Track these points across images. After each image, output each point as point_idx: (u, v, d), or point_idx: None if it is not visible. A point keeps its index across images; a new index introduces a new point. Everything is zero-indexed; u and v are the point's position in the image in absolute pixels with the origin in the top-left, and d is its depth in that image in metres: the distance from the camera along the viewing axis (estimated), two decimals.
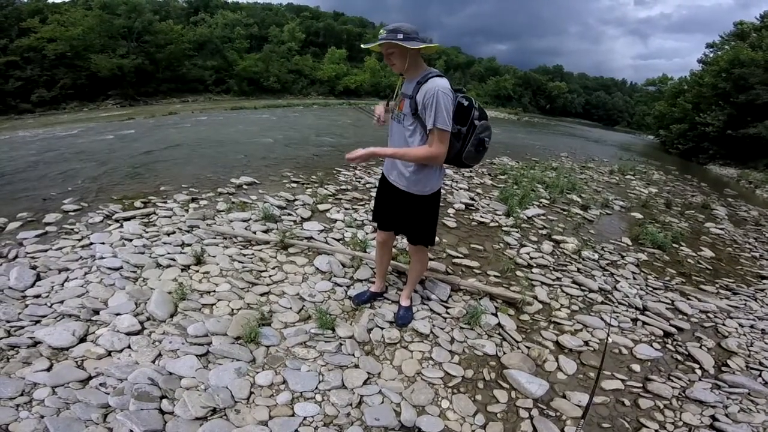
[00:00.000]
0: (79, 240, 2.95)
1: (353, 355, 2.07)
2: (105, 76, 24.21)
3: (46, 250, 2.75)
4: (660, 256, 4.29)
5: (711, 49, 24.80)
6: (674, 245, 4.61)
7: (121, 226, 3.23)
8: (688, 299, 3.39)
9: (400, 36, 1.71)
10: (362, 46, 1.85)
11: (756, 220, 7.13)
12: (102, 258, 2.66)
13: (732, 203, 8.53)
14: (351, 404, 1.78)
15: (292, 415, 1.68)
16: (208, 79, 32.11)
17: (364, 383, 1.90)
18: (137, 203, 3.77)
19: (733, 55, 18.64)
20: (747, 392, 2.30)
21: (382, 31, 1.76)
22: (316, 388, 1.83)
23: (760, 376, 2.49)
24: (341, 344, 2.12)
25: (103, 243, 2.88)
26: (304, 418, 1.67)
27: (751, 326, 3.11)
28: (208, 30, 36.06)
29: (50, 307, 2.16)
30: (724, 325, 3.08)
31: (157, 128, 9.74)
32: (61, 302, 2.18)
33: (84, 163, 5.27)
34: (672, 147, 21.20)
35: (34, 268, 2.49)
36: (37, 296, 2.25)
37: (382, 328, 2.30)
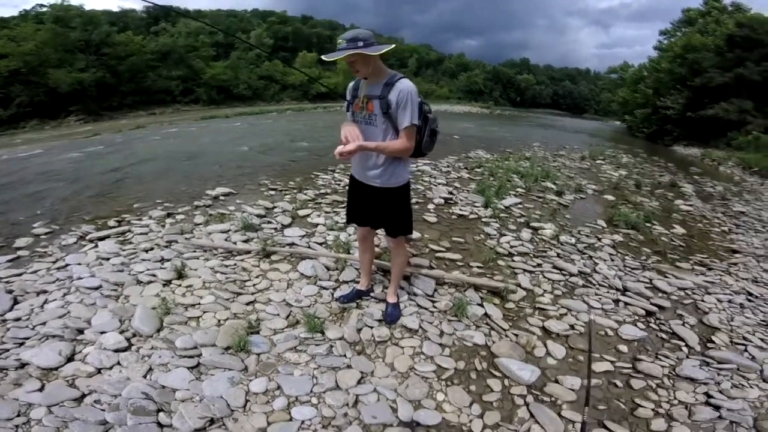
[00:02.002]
0: (54, 262, 2.87)
1: (345, 355, 2.08)
2: (65, 92, 23.06)
3: (20, 274, 2.68)
4: (634, 236, 4.44)
5: (664, 36, 26.14)
6: (647, 224, 4.76)
7: (96, 246, 3.14)
8: (666, 277, 3.46)
9: (361, 44, 1.78)
10: (324, 58, 1.87)
11: (722, 195, 7.50)
12: (80, 278, 2.61)
13: (698, 180, 8.98)
14: (347, 404, 1.79)
15: (290, 420, 1.68)
16: (175, 90, 31.13)
17: (358, 383, 1.92)
18: (111, 222, 3.66)
19: (686, 40, 19.75)
20: (736, 368, 2.34)
21: (340, 40, 1.81)
22: (311, 391, 1.84)
23: (746, 350, 2.53)
24: (332, 346, 2.13)
25: (79, 264, 2.82)
26: (303, 422, 1.68)
27: (729, 301, 3.18)
28: (170, 39, 35.01)
29: (32, 329, 2.13)
30: (703, 301, 3.13)
31: (126, 143, 9.43)
32: (43, 324, 2.15)
33: (51, 183, 5.05)
34: (638, 131, 22.07)
35: (10, 292, 2.44)
36: (17, 319, 2.21)
37: (372, 327, 2.32)
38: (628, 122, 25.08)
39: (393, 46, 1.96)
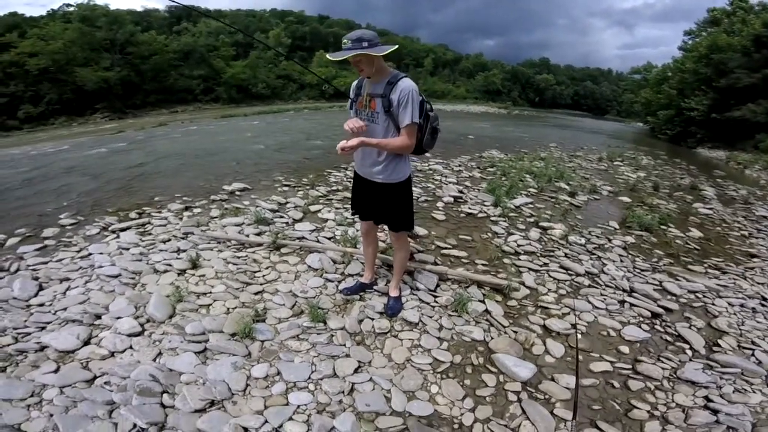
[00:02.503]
0: (78, 251, 3.04)
1: (344, 345, 2.15)
2: (91, 90, 24.05)
3: (46, 262, 2.85)
4: (647, 238, 4.36)
5: (689, 36, 25.24)
6: (662, 227, 4.67)
7: (118, 236, 3.32)
8: (677, 280, 3.40)
9: (366, 44, 1.85)
10: (329, 57, 1.95)
11: (745, 199, 7.19)
12: (101, 267, 2.76)
13: (721, 183, 8.64)
14: (343, 392, 1.85)
15: (286, 404, 1.76)
16: (196, 89, 31.99)
17: (355, 371, 1.98)
18: (132, 214, 3.85)
19: (711, 41, 19.02)
20: (740, 372, 2.29)
21: (345, 40, 1.89)
22: (309, 377, 1.91)
23: (753, 355, 2.48)
24: (332, 336, 2.21)
25: (101, 253, 2.98)
26: (298, 406, 1.75)
27: (742, 305, 3.10)
28: (192, 39, 35.95)
29: (54, 314, 2.27)
30: (713, 304, 3.06)
31: (148, 140, 9.78)
32: (65, 309, 2.29)
33: (77, 177, 5.33)
34: (661, 133, 21.42)
35: (36, 279, 2.60)
36: (41, 305, 2.36)
37: (373, 319, 2.38)
38: (651, 123, 24.33)
39: (396, 47, 2.04)
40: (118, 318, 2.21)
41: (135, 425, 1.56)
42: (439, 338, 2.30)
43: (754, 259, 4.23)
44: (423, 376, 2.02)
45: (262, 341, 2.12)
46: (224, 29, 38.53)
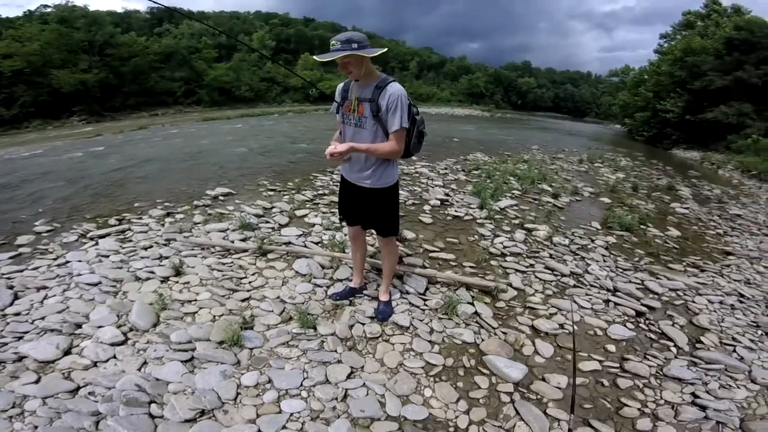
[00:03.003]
0: (55, 259, 2.94)
1: (336, 351, 2.13)
2: (68, 92, 23.25)
3: (21, 271, 2.74)
4: (628, 237, 4.47)
5: (665, 40, 26.09)
6: (641, 226, 4.78)
7: (97, 243, 3.21)
8: (658, 278, 3.48)
9: (355, 45, 1.83)
10: (316, 58, 1.91)
11: (719, 198, 7.49)
12: (79, 275, 2.67)
13: (696, 183, 8.97)
14: (336, 398, 1.83)
15: (279, 412, 1.73)
16: (177, 91, 31.28)
17: (348, 377, 1.96)
18: (111, 221, 3.73)
19: (686, 44, 19.71)
20: (724, 368, 2.35)
21: (334, 42, 1.86)
22: (301, 384, 1.88)
23: (734, 351, 2.55)
24: (323, 342, 2.18)
25: (79, 260, 2.88)
26: (291, 414, 1.72)
27: (720, 302, 3.19)
28: (173, 41, 35.19)
29: (31, 323, 2.18)
30: (694, 302, 3.14)
31: (127, 144, 9.52)
32: (42, 318, 2.21)
33: (53, 183, 5.13)
34: (638, 134, 22.01)
35: (11, 287, 2.50)
36: (17, 314, 2.27)
37: (363, 324, 2.36)
38: (628, 125, 25.01)
39: (385, 50, 2.03)
40: (100, 327, 2.14)
41: None
42: (430, 341, 2.30)
43: (730, 257, 4.38)
44: (416, 380, 2.02)
45: (251, 349, 2.08)
46: (207, 31, 37.88)
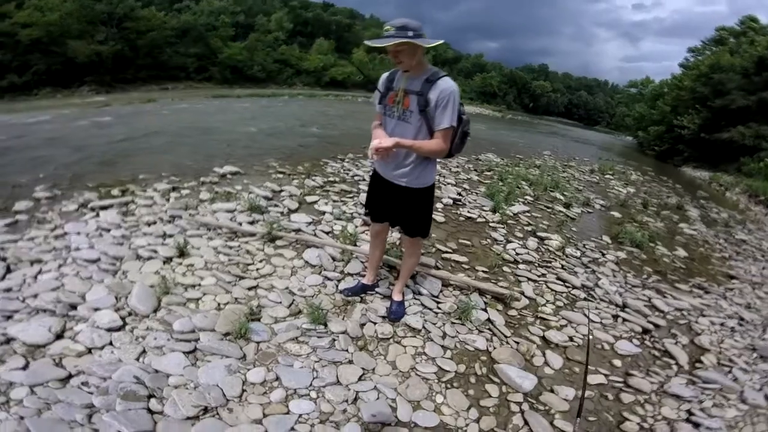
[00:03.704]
0: (53, 230, 2.81)
1: (347, 350, 2.04)
2: (82, 62, 23.07)
3: (16, 241, 2.61)
4: (638, 254, 4.41)
5: (692, 54, 25.11)
6: (651, 244, 4.74)
7: (98, 215, 3.09)
8: (664, 297, 3.48)
9: (411, 33, 1.69)
10: (368, 43, 1.79)
11: (725, 222, 7.44)
12: (78, 249, 2.54)
13: (704, 205, 8.89)
14: (347, 401, 1.76)
15: (287, 413, 1.65)
16: (189, 67, 31.04)
17: (360, 379, 1.89)
18: (115, 191, 3.60)
19: (715, 59, 18.99)
20: (719, 388, 2.38)
21: (388, 27, 1.72)
22: (311, 384, 1.80)
23: (730, 372, 2.58)
24: (334, 340, 2.09)
25: (78, 233, 2.76)
26: (300, 416, 1.64)
27: (722, 324, 3.21)
28: (192, 17, 34.76)
29: (23, 301, 2.05)
30: (697, 322, 3.16)
31: (135, 115, 9.35)
32: (35, 296, 2.07)
33: (57, 149, 5.00)
34: (649, 148, 21.77)
35: (3, 259, 2.36)
36: (8, 290, 2.12)
37: (375, 323, 2.28)
38: (640, 138, 24.64)
39: (442, 41, 1.90)
40: (96, 309, 2.01)
41: None
42: (443, 346, 2.23)
43: (734, 281, 4.38)
44: (428, 386, 1.96)
45: (258, 343, 1.98)
46: (226, 9, 37.41)
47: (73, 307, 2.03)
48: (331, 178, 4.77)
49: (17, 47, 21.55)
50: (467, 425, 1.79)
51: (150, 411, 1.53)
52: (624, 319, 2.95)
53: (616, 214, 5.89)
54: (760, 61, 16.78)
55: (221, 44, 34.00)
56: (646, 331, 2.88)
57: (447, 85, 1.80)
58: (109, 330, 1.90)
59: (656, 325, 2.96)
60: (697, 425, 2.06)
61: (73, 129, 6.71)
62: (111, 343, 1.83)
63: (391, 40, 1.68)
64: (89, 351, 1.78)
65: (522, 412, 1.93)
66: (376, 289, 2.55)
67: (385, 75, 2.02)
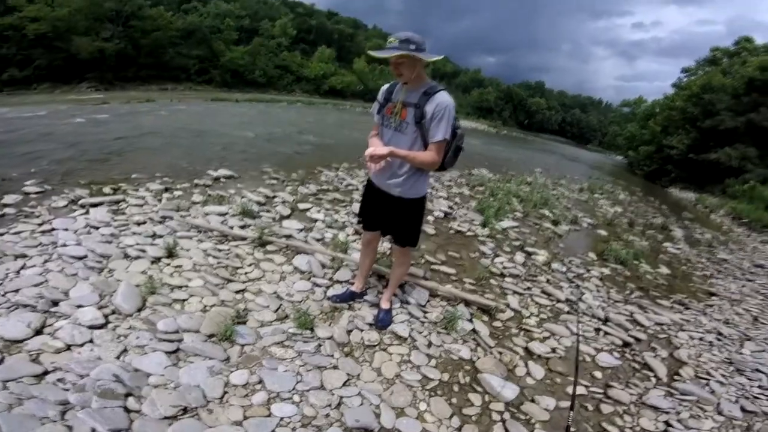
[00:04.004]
0: (40, 224, 2.78)
1: (332, 356, 2.05)
2: (84, 59, 22.99)
3: (2, 234, 2.58)
4: (622, 271, 4.51)
5: (685, 74, 25.18)
6: (635, 262, 4.84)
7: (87, 212, 3.07)
8: (645, 312, 3.57)
9: (413, 47, 1.75)
10: (372, 53, 1.85)
11: (709, 242, 7.62)
12: (64, 245, 2.52)
13: (689, 226, 9.09)
14: (330, 405, 1.76)
15: (269, 416, 1.64)
16: (191, 68, 31.10)
17: (344, 384, 1.89)
18: (106, 189, 3.59)
19: (707, 80, 19.06)
20: (696, 400, 2.45)
21: (393, 39, 1.78)
22: (294, 388, 1.80)
23: (707, 384, 2.65)
24: (320, 345, 2.10)
25: (66, 229, 2.74)
26: (282, 419, 1.64)
27: (700, 339, 3.31)
28: (198, 19, 34.98)
29: (3, 296, 2.02)
30: (676, 336, 3.24)
31: (133, 114, 9.33)
32: (16, 291, 2.05)
33: (51, 144, 4.97)
34: (638, 168, 21.99)
35: None
36: None
37: (362, 330, 2.30)
38: (630, 158, 24.78)
39: (443, 56, 1.98)
40: (79, 306, 1.99)
41: (93, 430, 1.39)
42: (428, 355, 2.25)
43: (713, 298, 4.50)
44: (412, 393, 1.97)
45: (243, 345, 1.98)
46: (232, 12, 37.72)
47: (55, 303, 2.00)
48: (325, 187, 4.81)
49: (22, 41, 21.43)
50: None
51: (127, 410, 1.52)
52: (605, 333, 3.01)
53: (603, 233, 6.00)
54: (750, 82, 16.95)
55: (224, 47, 34.20)
56: (626, 344, 2.95)
57: (443, 99, 1.86)
58: (91, 327, 1.88)
59: (637, 339, 3.03)
60: None
61: (69, 125, 6.68)
62: (92, 341, 1.81)
63: (393, 52, 1.75)
64: (68, 348, 1.76)
65: (503, 421, 1.95)
66: (365, 297, 2.57)
67: (385, 86, 2.09)
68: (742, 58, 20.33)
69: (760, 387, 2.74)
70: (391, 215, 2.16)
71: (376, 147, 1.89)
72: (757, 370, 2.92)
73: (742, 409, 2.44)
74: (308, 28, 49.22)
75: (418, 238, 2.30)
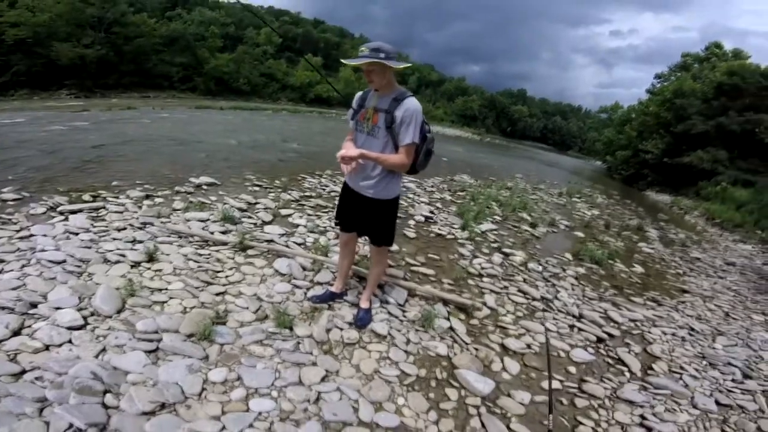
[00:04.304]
0: (18, 231, 2.76)
1: (311, 353, 2.10)
2: (64, 65, 22.52)
3: None
4: (597, 270, 4.66)
5: (658, 80, 26.39)
6: (610, 261, 5.01)
7: (66, 219, 3.06)
8: (619, 309, 3.69)
9: (383, 55, 1.87)
10: (344, 61, 1.97)
11: (683, 242, 7.92)
12: (43, 250, 2.52)
13: (663, 227, 9.42)
14: (308, 400, 1.80)
15: (247, 410, 1.68)
16: (174, 76, 30.74)
17: (322, 380, 1.94)
18: (86, 196, 3.57)
19: (678, 85, 20.01)
20: (670, 393, 2.52)
21: (363, 48, 1.90)
22: (272, 384, 1.84)
23: (681, 378, 2.73)
24: (299, 343, 2.14)
25: (45, 235, 2.72)
26: (260, 413, 1.68)
27: (673, 334, 3.40)
28: (182, 26, 34.74)
29: None
30: (649, 332, 3.33)
31: (113, 122, 9.20)
32: None
33: (28, 151, 4.89)
34: (616, 172, 22.61)
35: None
36: None
37: (342, 329, 2.35)
38: (608, 163, 25.45)
39: (410, 65, 2.11)
40: (58, 309, 2.00)
41: (71, 425, 1.41)
42: (406, 351, 2.32)
43: (686, 294, 4.68)
44: (390, 388, 2.02)
45: (222, 344, 2.01)
46: (216, 20, 37.59)
47: (34, 305, 2.01)
48: (308, 193, 4.87)
49: (1, 47, 20.90)
50: (426, 427, 1.86)
51: (105, 405, 1.54)
52: (579, 329, 3.10)
53: (580, 234, 6.19)
54: (719, 86, 17.80)
55: (209, 55, 33.99)
56: (600, 340, 3.04)
57: (411, 104, 1.98)
58: (70, 328, 1.89)
59: (610, 335, 3.13)
60: (650, 429, 2.16)
61: (48, 132, 6.56)
62: (70, 341, 1.83)
63: (363, 60, 1.87)
64: (47, 348, 1.77)
65: (480, 415, 2.01)
66: (345, 297, 2.64)
67: (359, 94, 2.21)
68: (711, 63, 21.36)
69: (733, 380, 2.83)
70: (366, 216, 2.26)
71: (348, 149, 1.99)
72: (730, 364, 3.03)
73: (717, 403, 2.51)
74: (294, 37, 49.46)
75: (393, 238, 2.39)
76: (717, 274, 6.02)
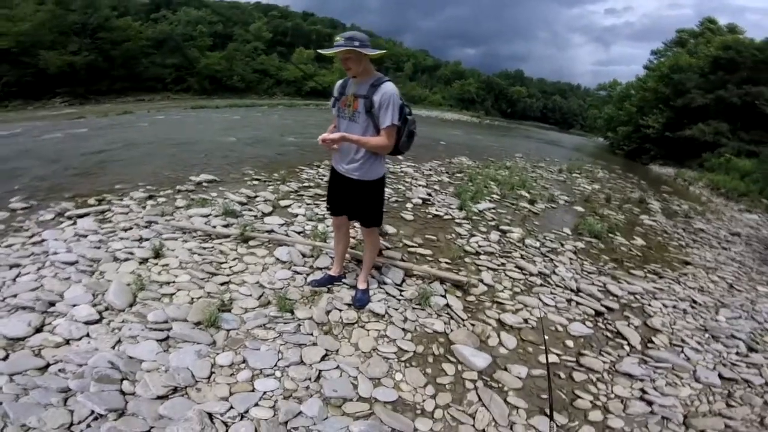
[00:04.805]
0: (30, 237, 2.91)
1: (312, 334, 2.20)
2: (54, 73, 22.55)
3: None
4: (596, 244, 4.64)
5: (655, 56, 26.19)
6: (609, 235, 4.97)
7: (75, 223, 3.19)
8: (619, 282, 3.64)
9: (357, 43, 1.95)
10: (320, 52, 2.08)
11: (686, 213, 7.80)
12: (56, 253, 2.65)
13: (667, 198, 9.30)
14: (310, 378, 1.91)
15: (253, 391, 1.79)
16: (167, 78, 30.68)
17: (323, 359, 2.04)
18: (91, 201, 3.70)
19: (674, 61, 19.96)
20: (671, 367, 2.49)
21: (338, 38, 1.99)
22: (276, 365, 1.95)
23: (682, 351, 2.69)
24: (300, 325, 2.25)
25: (56, 239, 2.86)
26: (264, 393, 1.79)
27: (674, 306, 3.34)
28: (168, 27, 34.50)
29: (2, 300, 2.16)
30: (650, 305, 3.28)
31: (111, 127, 9.31)
32: (14, 296, 2.19)
33: (31, 161, 5.03)
34: (618, 148, 22.51)
35: None
36: None
37: (341, 310, 2.45)
38: (610, 139, 25.31)
39: (384, 51, 2.19)
40: (74, 305, 2.14)
41: (92, 412, 1.54)
42: (403, 329, 2.41)
43: (688, 266, 4.60)
44: (388, 365, 2.11)
45: (228, 330, 2.13)
46: (203, 19, 37.26)
47: (52, 304, 2.15)
48: (306, 184, 4.95)
49: None
50: (424, 401, 1.93)
51: (122, 392, 1.66)
52: (577, 303, 3.09)
53: (579, 209, 6.16)
54: (715, 61, 17.69)
55: (199, 54, 33.80)
56: (599, 313, 3.01)
57: (388, 88, 2.06)
58: (87, 323, 2.03)
59: (609, 309, 3.09)
60: (650, 403, 2.16)
61: (47, 141, 6.69)
62: (88, 335, 1.96)
63: (339, 49, 1.95)
64: (67, 342, 1.91)
65: (476, 389, 2.05)
66: (343, 280, 2.74)
67: (339, 82, 2.30)
68: (706, 38, 21.14)
69: (737, 354, 2.78)
70: (354, 198, 2.35)
71: (329, 133, 2.09)
72: (733, 336, 2.97)
73: (720, 377, 2.48)
74: (284, 31, 48.81)
75: (381, 218, 2.48)
76: (721, 245, 5.91)
